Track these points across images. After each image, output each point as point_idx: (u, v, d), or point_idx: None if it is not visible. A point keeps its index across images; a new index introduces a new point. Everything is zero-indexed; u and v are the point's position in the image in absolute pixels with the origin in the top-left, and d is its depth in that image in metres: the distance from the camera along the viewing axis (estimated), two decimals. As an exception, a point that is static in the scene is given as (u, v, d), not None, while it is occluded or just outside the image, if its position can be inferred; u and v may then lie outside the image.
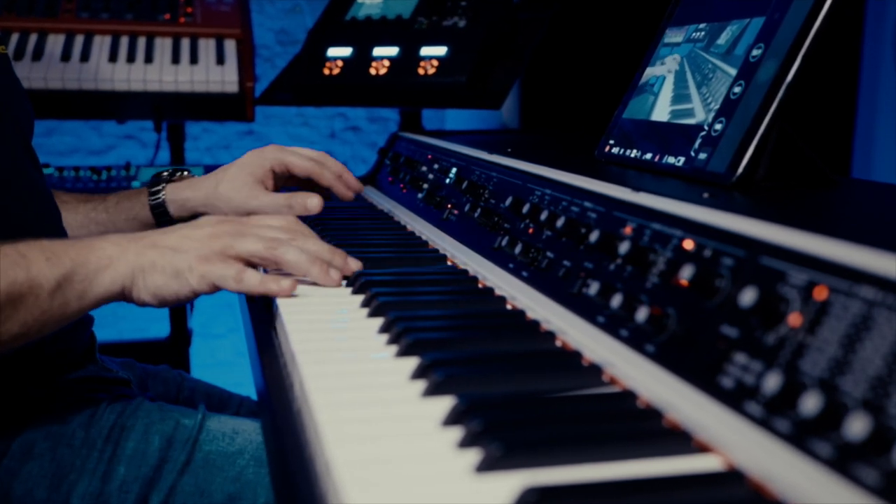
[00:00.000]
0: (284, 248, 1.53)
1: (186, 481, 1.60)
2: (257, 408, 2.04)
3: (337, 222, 2.13)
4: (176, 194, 2.01)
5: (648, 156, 1.63)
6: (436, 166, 2.23)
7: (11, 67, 1.82)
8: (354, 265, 1.63)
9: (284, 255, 1.53)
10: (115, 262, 1.44)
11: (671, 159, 1.56)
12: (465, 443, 0.93)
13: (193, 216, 1.98)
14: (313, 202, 1.88)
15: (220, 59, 3.25)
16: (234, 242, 1.51)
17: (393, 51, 2.82)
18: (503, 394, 1.08)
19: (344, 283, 1.59)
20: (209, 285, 1.47)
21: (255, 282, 1.48)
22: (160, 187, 2.02)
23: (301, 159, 2.03)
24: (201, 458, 1.62)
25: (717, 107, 1.49)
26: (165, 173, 2.08)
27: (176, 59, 3.21)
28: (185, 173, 2.11)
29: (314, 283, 1.56)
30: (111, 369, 1.87)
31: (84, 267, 1.41)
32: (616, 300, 1.18)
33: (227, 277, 1.46)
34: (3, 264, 1.33)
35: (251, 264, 1.52)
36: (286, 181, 2.07)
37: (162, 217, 2.01)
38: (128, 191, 2.07)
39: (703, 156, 1.47)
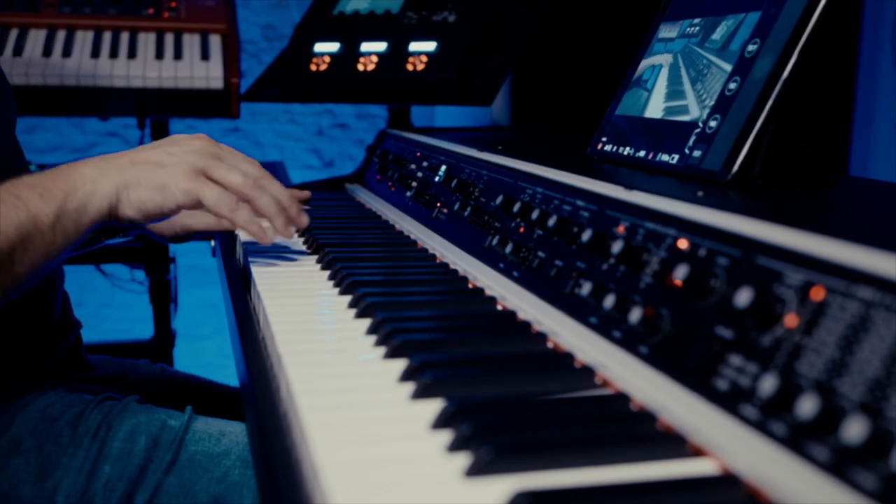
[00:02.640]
0: (261, 191, 1.61)
1: (171, 481, 1.60)
2: (244, 410, 2.04)
3: (323, 221, 2.13)
4: None
5: (642, 153, 1.63)
6: (425, 164, 2.22)
7: None
8: (304, 220, 1.71)
9: (260, 199, 1.61)
10: (99, 185, 1.48)
11: (665, 157, 1.56)
12: (455, 446, 0.93)
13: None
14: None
15: (205, 55, 3.24)
16: (217, 167, 1.59)
17: (381, 46, 2.82)
18: (493, 396, 1.08)
19: (331, 283, 1.59)
20: (194, 200, 1.54)
21: (245, 217, 1.58)
22: None
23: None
24: (187, 458, 1.62)
25: (712, 103, 1.49)
26: None
27: (160, 55, 3.20)
28: None
29: (306, 281, 1.58)
30: (94, 367, 1.89)
31: (74, 195, 1.45)
32: (609, 301, 1.18)
33: (222, 203, 1.55)
34: (3, 208, 1.36)
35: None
36: None
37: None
38: None
39: (697, 153, 1.47)
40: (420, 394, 1.08)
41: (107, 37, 3.22)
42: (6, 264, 1.36)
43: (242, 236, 1.96)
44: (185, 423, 1.67)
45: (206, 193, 1.54)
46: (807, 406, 0.80)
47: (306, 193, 2.14)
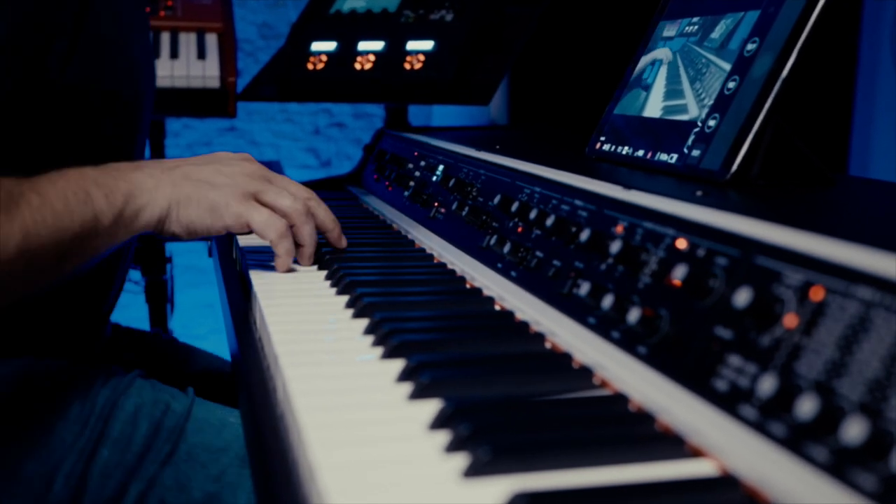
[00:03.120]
0: (306, 219, 1.65)
1: (167, 474, 1.58)
2: (239, 412, 2.04)
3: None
4: None
5: (640, 153, 1.63)
6: (422, 163, 2.22)
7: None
8: (344, 242, 1.78)
9: (305, 226, 1.65)
10: (154, 197, 1.49)
11: (664, 156, 1.56)
12: (453, 447, 0.93)
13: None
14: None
15: (202, 54, 3.24)
16: (268, 190, 1.61)
17: (378, 45, 2.81)
18: (491, 397, 1.08)
19: (328, 282, 1.59)
20: (243, 226, 1.56)
21: (289, 247, 1.63)
22: None
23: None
24: (185, 450, 1.60)
25: (711, 102, 1.49)
26: None
27: (156, 54, 3.20)
28: None
29: (301, 280, 1.59)
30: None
31: (133, 201, 1.46)
32: (607, 301, 1.18)
33: (271, 228, 1.58)
34: (73, 203, 1.36)
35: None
36: None
37: None
38: None
39: (696, 153, 1.47)
40: (418, 394, 1.07)
41: (103, 36, 3.22)
42: (59, 260, 1.36)
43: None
44: (188, 408, 1.66)
45: (255, 218, 1.56)
46: (806, 407, 0.80)
47: (342, 245, 2.14)
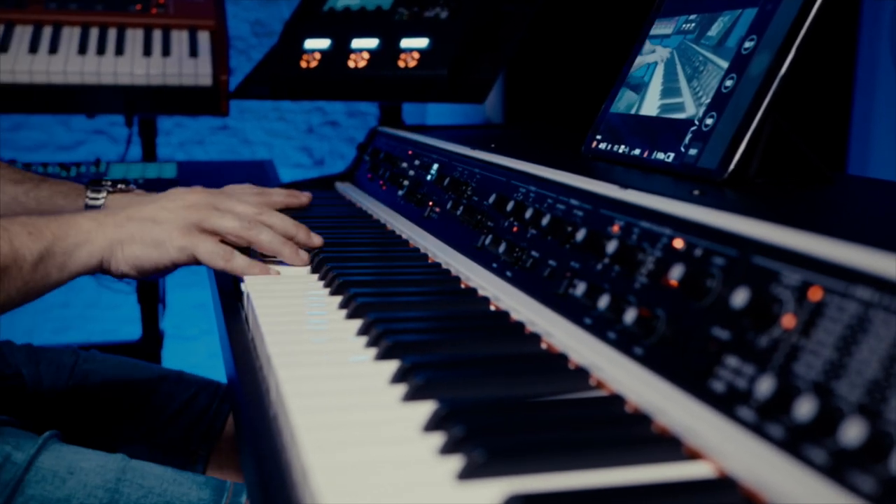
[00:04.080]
0: (258, 229, 1.66)
1: None
2: (232, 413, 2.03)
3: (313, 221, 2.12)
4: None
5: (637, 151, 1.63)
6: (417, 162, 2.22)
7: None
8: (317, 240, 1.78)
9: (259, 236, 1.66)
10: (92, 237, 1.52)
11: (660, 155, 1.56)
12: (447, 449, 0.92)
13: None
14: (278, 196, 1.97)
15: (194, 52, 3.24)
16: (212, 217, 1.62)
17: (372, 42, 2.81)
18: (486, 398, 1.08)
19: (322, 283, 1.59)
20: (189, 257, 1.58)
21: (243, 263, 1.61)
22: (101, 196, 2.02)
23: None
24: (21, 503, 1.53)
25: (708, 101, 1.49)
26: (107, 182, 2.07)
27: (147, 52, 3.20)
28: (128, 185, 2.08)
29: (294, 280, 1.59)
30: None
31: (63, 241, 1.48)
32: (603, 301, 1.17)
33: (216, 255, 1.59)
34: None
35: (225, 240, 1.63)
36: None
37: None
38: (63, 184, 2.06)
39: (693, 151, 1.47)
40: (412, 395, 1.07)
41: (94, 33, 3.22)
42: None
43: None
44: (31, 456, 1.57)
45: (199, 249, 1.58)
46: (804, 408, 0.80)
47: (306, 196, 2.13)
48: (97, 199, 2.01)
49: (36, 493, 1.54)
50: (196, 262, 1.60)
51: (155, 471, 1.64)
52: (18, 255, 1.42)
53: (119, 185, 2.08)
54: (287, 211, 1.96)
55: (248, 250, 1.69)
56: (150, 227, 1.56)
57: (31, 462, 1.57)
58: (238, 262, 1.61)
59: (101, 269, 1.55)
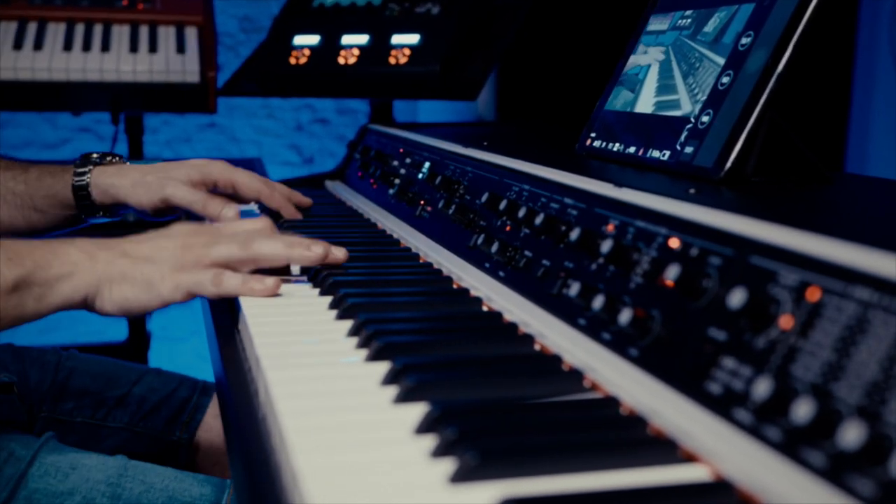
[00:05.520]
0: (259, 242, 1.52)
1: None
2: (221, 415, 2.04)
3: (302, 220, 2.12)
4: (102, 179, 1.99)
5: (632, 149, 1.63)
6: (408, 160, 2.22)
7: None
8: (340, 254, 1.62)
9: (261, 249, 1.51)
10: (79, 270, 1.44)
11: (656, 153, 1.56)
12: (439, 452, 0.92)
13: (115, 204, 1.99)
14: (230, 211, 1.88)
15: (181, 48, 3.23)
16: (209, 250, 1.50)
17: (363, 39, 2.81)
18: (479, 400, 1.08)
19: (310, 284, 1.59)
20: (184, 293, 1.46)
21: (235, 283, 1.47)
22: (87, 169, 2.00)
23: (250, 179, 2.02)
24: (24, 497, 1.55)
25: (705, 98, 1.49)
26: (95, 155, 2.06)
27: (134, 48, 3.19)
28: (117, 159, 2.09)
29: (282, 280, 1.57)
30: None
31: (45, 271, 1.41)
32: (598, 301, 1.17)
33: (204, 282, 1.46)
34: None
35: (232, 269, 1.51)
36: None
37: (83, 200, 1.99)
38: (52, 166, 2.06)
39: (689, 149, 1.47)
40: (403, 397, 1.07)
41: (79, 29, 3.21)
42: None
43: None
44: (34, 453, 1.60)
45: (186, 281, 1.47)
46: (802, 410, 0.80)
47: (307, 201, 2.13)
48: (84, 172, 1.99)
49: (40, 487, 1.56)
50: (192, 297, 1.49)
51: (156, 469, 1.65)
52: None
53: (108, 158, 2.07)
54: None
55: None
56: (142, 266, 1.47)
57: (34, 457, 1.59)
58: (228, 282, 1.48)
59: (83, 306, 1.48)
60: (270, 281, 1.49)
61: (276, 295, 1.52)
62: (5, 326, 1.40)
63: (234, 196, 2.03)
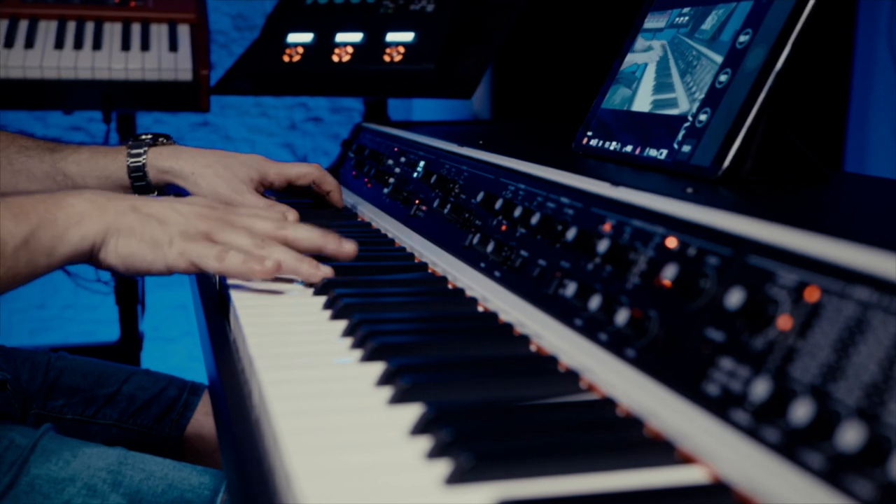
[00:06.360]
0: (271, 248, 1.52)
1: None
2: (213, 416, 2.04)
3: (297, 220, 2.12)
4: (158, 161, 2.03)
5: (629, 148, 1.63)
6: (402, 159, 2.22)
7: None
8: (349, 247, 1.63)
9: (272, 254, 1.52)
10: (87, 219, 1.45)
11: (653, 152, 1.56)
12: (435, 453, 0.92)
13: (168, 186, 2.01)
14: (290, 216, 1.90)
15: (174, 46, 3.23)
16: (222, 229, 1.52)
17: (357, 37, 2.81)
18: (474, 401, 1.07)
19: (304, 283, 1.59)
20: (188, 263, 1.47)
21: (237, 261, 1.47)
22: (141, 150, 2.03)
23: (303, 169, 2.20)
24: (27, 482, 1.56)
25: (702, 96, 1.49)
26: (147, 136, 2.09)
27: (126, 46, 3.19)
28: (168, 140, 2.12)
29: (276, 280, 1.57)
30: None
31: (52, 223, 1.41)
32: (594, 302, 1.17)
33: (209, 256, 1.46)
34: None
35: None
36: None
37: (138, 181, 2.02)
38: (103, 147, 2.07)
39: (686, 148, 1.47)
40: (398, 398, 1.07)
41: (71, 27, 3.21)
42: None
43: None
44: (35, 441, 1.61)
45: (193, 252, 1.47)
46: (801, 411, 0.80)
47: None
48: (139, 153, 2.02)
49: (41, 473, 1.57)
50: (195, 269, 1.49)
51: (154, 459, 1.66)
52: (0, 240, 1.35)
53: (160, 139, 2.11)
54: None
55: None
56: (153, 225, 1.47)
57: (35, 445, 1.60)
58: (231, 259, 1.46)
59: (89, 256, 1.47)
60: (270, 263, 1.48)
61: (274, 292, 1.52)
62: (22, 281, 1.41)
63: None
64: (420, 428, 0.98)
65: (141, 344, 3.67)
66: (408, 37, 2.72)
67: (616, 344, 1.12)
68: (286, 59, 2.89)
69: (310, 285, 1.58)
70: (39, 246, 1.40)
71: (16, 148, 1.96)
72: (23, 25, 3.17)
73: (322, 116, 5.76)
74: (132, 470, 1.60)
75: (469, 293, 1.52)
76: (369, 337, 1.25)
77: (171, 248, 1.47)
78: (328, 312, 1.43)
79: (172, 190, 2.07)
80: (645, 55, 1.73)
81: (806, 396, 0.81)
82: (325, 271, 1.57)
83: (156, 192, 2.06)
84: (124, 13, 3.29)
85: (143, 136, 2.08)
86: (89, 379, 2.11)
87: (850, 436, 0.74)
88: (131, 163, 2.00)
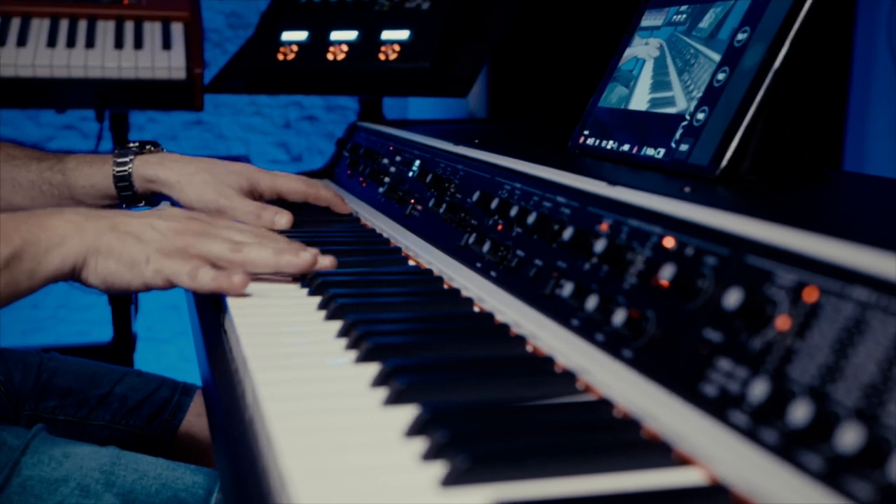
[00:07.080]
0: (249, 248, 1.54)
1: None
2: (207, 416, 2.04)
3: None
4: (144, 169, 2.02)
5: (626, 147, 1.63)
6: (398, 158, 2.22)
7: None
8: (327, 261, 1.63)
9: (249, 255, 1.54)
10: (68, 240, 1.45)
11: (650, 151, 1.56)
12: (430, 455, 0.92)
13: (155, 195, 2.01)
14: (283, 219, 1.91)
15: (167, 44, 3.23)
16: (198, 242, 1.53)
17: (352, 35, 2.81)
18: (470, 402, 1.07)
19: (300, 284, 1.59)
20: (164, 280, 1.48)
21: (207, 278, 1.47)
22: (127, 158, 2.03)
23: (294, 183, 2.15)
24: (19, 483, 1.56)
25: (700, 95, 1.49)
26: (134, 144, 2.09)
27: (119, 44, 3.18)
28: (155, 147, 2.12)
29: (270, 281, 1.57)
30: None
31: (34, 245, 1.42)
32: (591, 302, 1.17)
33: (182, 273, 1.47)
34: None
35: (216, 267, 1.51)
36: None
37: (124, 190, 2.02)
38: (89, 155, 2.07)
39: (684, 147, 1.47)
40: (393, 399, 1.07)
41: (64, 25, 3.21)
42: None
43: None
44: (27, 442, 1.61)
45: (167, 269, 1.48)
46: (799, 412, 0.80)
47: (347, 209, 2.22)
48: (125, 161, 2.02)
49: (33, 474, 1.57)
50: (171, 286, 1.50)
51: (148, 459, 1.66)
52: None
53: (147, 147, 2.11)
54: None
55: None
56: (130, 243, 1.48)
57: (27, 446, 1.60)
58: (202, 276, 1.47)
59: (72, 277, 1.48)
60: (238, 278, 1.48)
61: (269, 293, 1.53)
62: (2, 304, 1.42)
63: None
64: (415, 429, 0.98)
65: (134, 344, 3.66)
66: (403, 35, 2.72)
67: (613, 344, 1.12)
68: (280, 57, 2.89)
69: (303, 279, 1.58)
70: (22, 268, 1.41)
71: (3, 156, 1.97)
72: (15, 23, 3.16)
73: (317, 115, 5.75)
74: (125, 470, 1.60)
75: (465, 293, 1.52)
76: (364, 338, 1.25)
77: (148, 266, 1.48)
78: (323, 313, 1.43)
79: (162, 198, 2.07)
80: (642, 53, 1.73)
81: (804, 397, 0.81)
82: (306, 258, 1.59)
83: (143, 202, 2.06)
84: (117, 11, 3.29)
85: (131, 144, 2.08)
86: (82, 380, 2.11)
87: (849, 437, 0.74)
88: (117, 172, 2.00)
